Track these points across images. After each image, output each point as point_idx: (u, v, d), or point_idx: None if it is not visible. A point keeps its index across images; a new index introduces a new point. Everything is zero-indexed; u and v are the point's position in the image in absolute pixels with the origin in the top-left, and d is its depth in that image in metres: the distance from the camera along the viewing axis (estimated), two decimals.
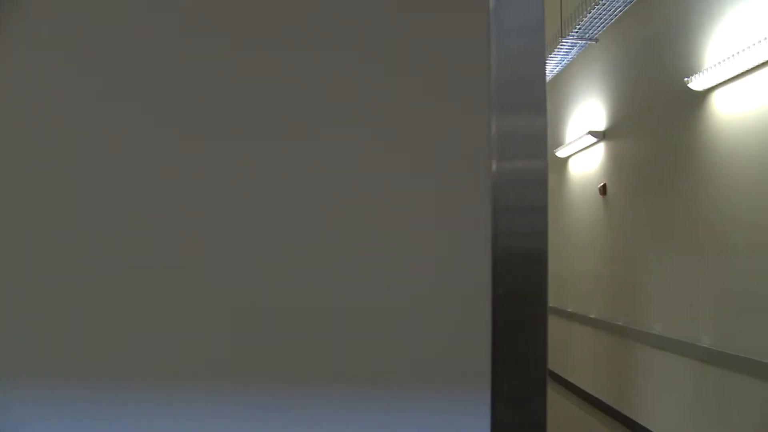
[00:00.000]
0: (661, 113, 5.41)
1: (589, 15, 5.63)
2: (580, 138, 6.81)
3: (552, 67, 7.10)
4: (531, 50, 1.09)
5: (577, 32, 6.01)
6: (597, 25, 5.84)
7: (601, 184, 6.50)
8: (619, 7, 5.44)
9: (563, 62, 6.91)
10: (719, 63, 4.24)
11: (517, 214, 1.07)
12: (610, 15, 5.60)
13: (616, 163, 6.30)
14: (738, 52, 4.03)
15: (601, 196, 6.54)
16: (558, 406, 7.13)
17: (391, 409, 1.07)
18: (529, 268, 1.07)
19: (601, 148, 6.60)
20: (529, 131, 1.08)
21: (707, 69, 4.39)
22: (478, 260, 1.08)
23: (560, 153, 7.57)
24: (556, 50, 6.54)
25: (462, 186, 1.12)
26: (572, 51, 6.55)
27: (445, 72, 1.14)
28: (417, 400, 1.07)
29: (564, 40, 6.24)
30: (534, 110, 1.08)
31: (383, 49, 1.13)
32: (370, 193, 1.11)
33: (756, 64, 4.00)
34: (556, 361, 8.30)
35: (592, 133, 6.54)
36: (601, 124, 6.61)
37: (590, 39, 6.19)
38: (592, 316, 6.80)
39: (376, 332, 1.09)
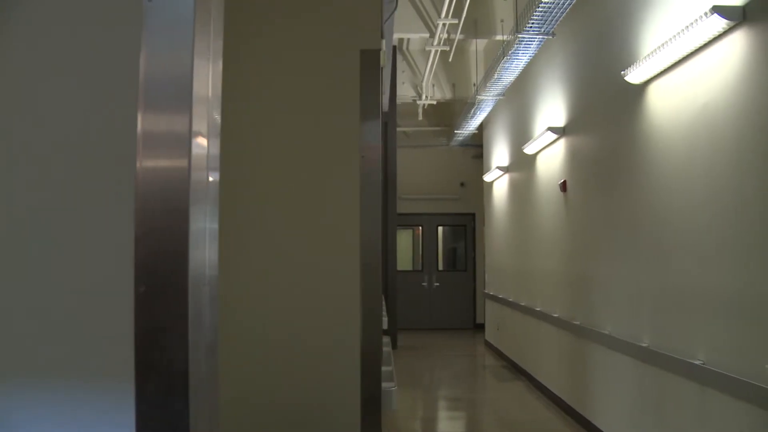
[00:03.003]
0: (607, 108, 5.31)
1: (539, 9, 5.53)
2: (541, 135, 6.72)
3: (517, 62, 6.99)
4: (179, 49, 1.05)
5: (530, 27, 5.91)
6: (549, 19, 5.73)
7: (561, 180, 6.40)
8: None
9: (527, 58, 6.80)
10: (649, 56, 4.14)
11: (160, 214, 1.04)
12: (559, 9, 5.50)
13: (574, 159, 6.20)
14: (664, 44, 3.93)
15: (562, 193, 6.44)
16: (526, 406, 7.04)
17: (38, 406, 1.05)
18: (170, 267, 1.04)
19: (562, 144, 6.50)
20: (173, 130, 1.04)
21: (641, 62, 4.29)
22: (120, 259, 1.05)
23: (527, 150, 7.47)
24: (516, 46, 6.45)
25: (104, 184, 1.09)
26: (532, 46, 6.45)
27: (96, 69, 1.10)
28: (60, 399, 1.05)
29: (521, 36, 6.15)
30: (179, 109, 1.04)
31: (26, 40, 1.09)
32: (11, 193, 1.08)
33: (681, 55, 3.90)
34: (527, 360, 8.20)
35: (552, 129, 6.44)
36: (561, 120, 6.51)
37: (547, 34, 6.08)
38: (555, 315, 6.71)
39: (13, 328, 1.06)
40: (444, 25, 8.09)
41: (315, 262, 2.65)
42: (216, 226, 1.18)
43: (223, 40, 2.71)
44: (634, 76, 4.43)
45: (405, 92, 11.32)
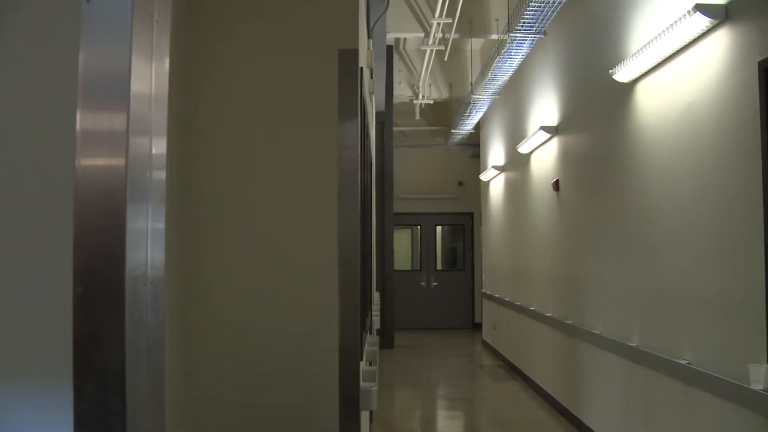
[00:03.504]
0: (597, 107, 5.30)
1: (530, 8, 5.52)
2: (534, 134, 6.71)
3: (511, 62, 6.99)
4: (117, 48, 1.05)
5: (522, 26, 5.90)
6: (541, 18, 5.73)
7: (554, 180, 6.39)
8: None
9: (520, 57, 6.80)
10: (635, 54, 4.13)
11: (98, 214, 1.04)
12: (551, 7, 5.49)
13: (566, 158, 6.19)
14: (649, 43, 3.92)
15: (555, 192, 6.43)
16: (520, 405, 7.03)
17: None
18: (107, 269, 1.04)
19: (555, 143, 6.49)
20: (110, 128, 1.04)
21: (627, 60, 4.28)
22: (56, 260, 1.05)
23: (522, 149, 7.46)
24: (508, 45, 6.44)
25: (47, 183, 1.09)
26: (524, 45, 6.44)
27: (38, 69, 1.10)
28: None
29: (513, 35, 6.14)
30: (116, 107, 1.04)
31: None
32: None
33: (667, 54, 3.89)
34: (522, 360, 8.20)
35: (545, 129, 6.44)
36: (553, 119, 6.50)
37: (539, 33, 6.07)
38: (549, 314, 6.70)
39: None
40: (438, 24, 8.08)
41: (292, 262, 2.65)
42: (161, 225, 1.18)
43: (199, 41, 2.70)
44: (621, 74, 4.42)
45: (402, 92, 11.32)
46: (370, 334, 5.35)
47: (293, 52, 2.71)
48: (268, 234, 2.65)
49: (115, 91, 1.05)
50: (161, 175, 1.18)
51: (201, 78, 2.57)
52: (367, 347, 4.43)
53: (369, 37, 4.72)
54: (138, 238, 1.08)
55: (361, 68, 3.02)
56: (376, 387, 3.02)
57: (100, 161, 1.04)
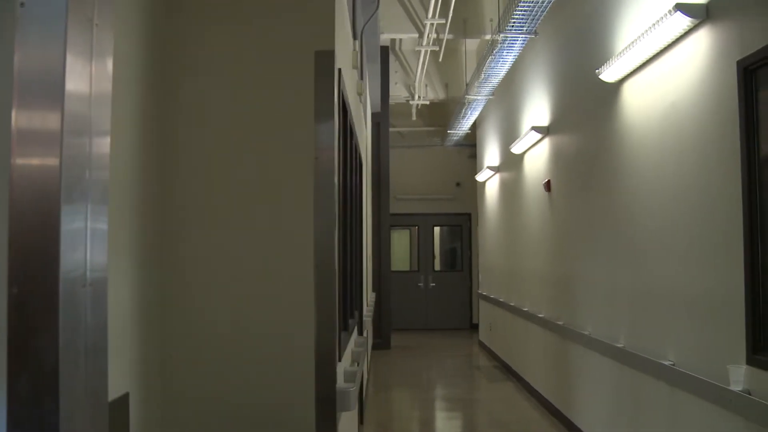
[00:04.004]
0: (586, 107, 5.29)
1: (519, 8, 5.52)
2: (526, 134, 6.70)
3: (503, 62, 6.98)
4: (51, 48, 1.05)
5: (513, 27, 5.90)
6: (531, 18, 5.72)
7: (546, 180, 6.38)
8: None
9: (512, 57, 6.79)
10: (620, 54, 4.12)
11: (33, 214, 1.04)
12: (540, 7, 5.49)
13: (557, 158, 6.18)
14: (632, 43, 3.91)
15: (546, 193, 6.42)
16: (514, 407, 7.01)
17: None
18: (42, 269, 1.04)
19: (546, 143, 6.48)
20: (44, 128, 1.04)
21: (612, 60, 4.27)
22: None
23: (515, 149, 7.45)
24: (500, 45, 6.44)
25: None
26: (516, 46, 6.43)
27: None
28: None
29: (503, 35, 6.13)
30: (50, 107, 1.04)
31: None
32: None
33: (650, 54, 3.88)
34: (516, 361, 8.18)
35: (536, 129, 6.43)
36: (545, 120, 6.49)
37: (530, 33, 6.07)
38: (541, 315, 6.69)
39: None
40: (432, 24, 8.08)
41: (267, 263, 2.64)
42: (104, 226, 1.18)
43: (176, 45, 2.69)
44: (607, 74, 4.41)
45: (398, 92, 11.32)
46: (360, 334, 5.34)
47: (270, 54, 2.71)
48: (244, 235, 2.65)
49: (49, 91, 1.05)
50: (104, 175, 1.18)
51: (177, 81, 2.57)
52: (354, 348, 4.43)
53: (355, 38, 4.71)
54: (75, 238, 1.08)
55: (340, 69, 3.01)
56: (354, 388, 3.01)
57: (35, 161, 1.04)
